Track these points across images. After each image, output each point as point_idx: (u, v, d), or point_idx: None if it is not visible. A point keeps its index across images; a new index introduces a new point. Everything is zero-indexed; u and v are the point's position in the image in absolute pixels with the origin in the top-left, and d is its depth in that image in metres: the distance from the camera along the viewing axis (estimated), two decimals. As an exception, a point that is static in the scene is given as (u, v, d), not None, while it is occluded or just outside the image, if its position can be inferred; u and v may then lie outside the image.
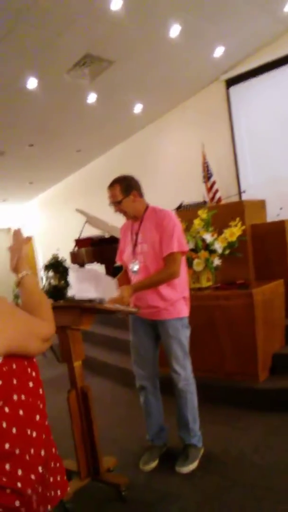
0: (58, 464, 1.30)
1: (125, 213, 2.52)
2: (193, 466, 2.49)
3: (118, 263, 2.75)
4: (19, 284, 1.37)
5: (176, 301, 2.49)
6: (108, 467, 2.47)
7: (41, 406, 1.23)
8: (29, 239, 1.49)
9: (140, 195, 2.53)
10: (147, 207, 2.55)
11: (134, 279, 2.53)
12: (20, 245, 1.45)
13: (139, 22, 4.97)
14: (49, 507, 1.21)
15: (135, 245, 2.51)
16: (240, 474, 2.39)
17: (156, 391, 2.67)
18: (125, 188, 2.46)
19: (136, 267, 2.49)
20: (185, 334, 2.54)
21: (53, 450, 1.28)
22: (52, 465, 1.26)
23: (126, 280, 2.64)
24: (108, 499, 2.31)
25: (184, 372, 2.52)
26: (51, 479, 1.24)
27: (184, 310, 2.54)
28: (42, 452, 1.19)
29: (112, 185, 2.49)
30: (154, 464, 2.59)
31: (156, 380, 2.67)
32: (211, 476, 2.41)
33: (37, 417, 1.20)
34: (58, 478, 1.28)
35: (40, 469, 1.16)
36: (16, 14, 4.24)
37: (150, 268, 2.45)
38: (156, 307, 2.47)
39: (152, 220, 2.47)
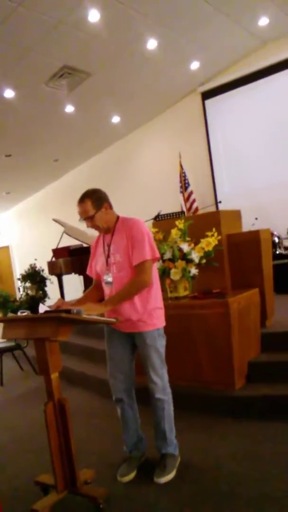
0: None
1: (97, 227, 2.49)
2: (171, 475, 2.49)
3: (88, 274, 2.74)
4: None
5: (151, 312, 2.49)
6: (86, 479, 2.45)
7: None
8: None
9: (111, 206, 2.51)
10: (117, 218, 2.54)
11: (108, 290, 2.52)
12: None
13: (117, 34, 5.04)
14: None
15: (108, 256, 2.50)
16: (217, 482, 2.40)
17: (132, 402, 2.67)
18: (96, 202, 2.43)
19: (110, 279, 2.48)
20: (161, 343, 2.55)
21: None
22: None
23: (94, 296, 2.63)
24: (86, 512, 2.28)
25: (161, 382, 2.53)
26: None
27: (160, 320, 2.54)
28: None
29: (82, 200, 2.44)
30: (131, 475, 2.57)
31: (132, 391, 2.66)
32: (189, 485, 2.41)
33: None
34: None
35: None
36: (-7, 25, 4.24)
37: (124, 278, 2.44)
38: (131, 319, 2.46)
39: (123, 230, 2.46)
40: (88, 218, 2.44)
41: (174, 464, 2.56)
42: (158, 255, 2.49)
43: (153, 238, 2.53)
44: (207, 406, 3.34)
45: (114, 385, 2.61)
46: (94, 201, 2.43)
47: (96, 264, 2.62)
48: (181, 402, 3.39)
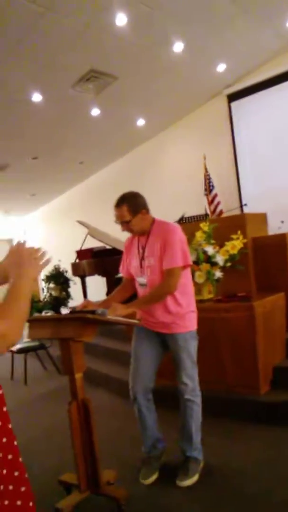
0: (20, 488, 1.22)
1: (131, 230, 2.52)
2: (193, 479, 2.48)
3: (120, 274, 2.77)
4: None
5: (184, 315, 2.51)
6: (108, 480, 2.46)
7: None
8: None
9: (148, 211, 2.51)
10: (153, 220, 2.54)
11: (142, 291, 2.55)
12: (21, 255, 1.29)
13: (143, 38, 5.06)
14: None
15: (142, 258, 2.52)
16: (240, 487, 2.37)
17: (149, 403, 2.63)
18: (133, 208, 2.43)
19: (144, 280, 2.51)
20: (193, 345, 2.56)
21: (15, 473, 1.21)
22: (10, 487, 1.18)
23: (120, 296, 2.66)
24: (108, 513, 2.29)
25: (192, 383, 2.53)
26: (6, 503, 1.16)
27: (192, 323, 2.56)
28: None
29: (119, 205, 2.45)
30: (154, 477, 2.57)
31: (150, 392, 2.63)
32: (211, 489, 2.39)
33: None
34: (18, 503, 1.20)
35: None
36: (22, 29, 4.32)
37: (157, 281, 2.46)
38: (165, 322, 2.50)
39: (158, 234, 2.47)
40: (124, 223, 2.47)
41: (197, 468, 2.54)
42: (190, 262, 2.50)
43: (187, 244, 2.53)
44: (231, 410, 3.31)
45: (133, 384, 2.61)
46: (131, 207, 2.43)
47: (129, 265, 2.64)
48: (205, 406, 3.37)
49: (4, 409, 1.20)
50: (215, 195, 6.95)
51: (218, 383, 3.45)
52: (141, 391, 2.59)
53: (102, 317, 2.16)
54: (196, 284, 3.70)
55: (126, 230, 2.53)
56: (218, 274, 3.63)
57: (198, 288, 3.75)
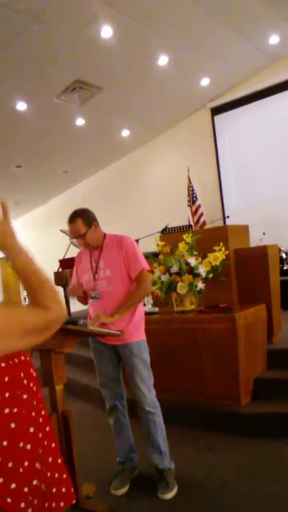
0: (63, 475, 1.27)
1: (88, 245, 2.57)
2: (175, 491, 2.49)
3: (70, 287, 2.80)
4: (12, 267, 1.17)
5: (136, 324, 2.55)
6: (87, 494, 2.42)
7: (38, 417, 1.21)
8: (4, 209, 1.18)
9: (98, 225, 2.61)
10: (104, 235, 2.63)
11: (94, 304, 2.57)
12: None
13: (129, 50, 5.12)
14: None
15: (95, 272, 2.57)
16: (220, 499, 2.36)
17: (124, 410, 2.71)
18: (87, 221, 2.53)
19: (96, 294, 2.55)
20: (147, 353, 2.59)
21: (58, 460, 1.26)
22: (56, 475, 1.23)
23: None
24: (87, 528, 2.25)
25: (150, 395, 2.55)
26: (54, 490, 1.21)
27: (143, 332, 2.61)
28: (37, 465, 1.17)
29: (73, 220, 2.53)
30: (125, 489, 2.58)
31: (124, 399, 2.70)
32: (192, 502, 2.38)
33: (31, 429, 1.19)
34: (63, 490, 1.25)
35: (35, 481, 1.14)
36: (9, 38, 4.33)
37: (114, 291, 2.51)
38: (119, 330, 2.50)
39: (113, 245, 2.56)
40: (80, 236, 2.54)
41: (173, 477, 2.56)
42: (149, 268, 2.59)
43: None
44: (211, 422, 3.30)
45: (106, 394, 2.67)
46: (84, 220, 2.53)
47: (81, 278, 2.70)
48: (185, 417, 3.36)
49: (35, 402, 1.22)
50: (198, 206, 7.03)
51: (199, 394, 3.45)
52: (117, 398, 2.65)
53: (84, 328, 2.14)
54: (178, 295, 3.71)
55: (82, 245, 2.60)
56: (200, 285, 3.65)
57: (180, 299, 3.76)
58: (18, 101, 5.61)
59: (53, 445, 1.26)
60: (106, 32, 4.64)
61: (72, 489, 1.29)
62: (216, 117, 7.26)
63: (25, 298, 9.02)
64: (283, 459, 2.72)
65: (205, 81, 6.40)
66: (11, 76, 5.04)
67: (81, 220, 2.52)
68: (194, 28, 4.99)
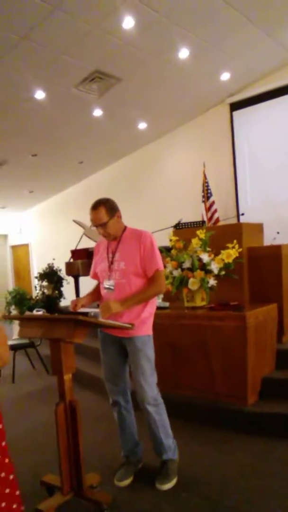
0: (15, 492, 1.27)
1: (108, 234, 2.55)
2: (173, 482, 2.51)
3: (91, 278, 2.79)
4: None
5: (146, 318, 2.53)
6: (91, 483, 2.45)
7: None
8: None
9: (120, 216, 2.59)
10: (125, 227, 2.61)
11: (107, 295, 2.55)
12: None
13: (150, 42, 5.07)
14: None
15: (111, 262, 2.54)
16: (223, 497, 2.36)
17: (128, 405, 2.69)
18: (110, 210, 2.51)
19: (111, 284, 2.53)
20: (151, 351, 2.57)
21: (10, 476, 1.26)
22: (6, 491, 1.23)
23: (99, 295, 2.67)
24: (90, 517, 2.27)
25: (151, 392, 2.52)
26: (3, 505, 1.21)
27: (150, 328, 2.58)
28: None
29: (96, 207, 2.51)
30: (128, 481, 2.59)
31: (128, 394, 2.69)
32: (194, 497, 2.38)
33: None
34: (14, 506, 1.25)
35: None
36: (29, 25, 4.32)
37: (126, 284, 2.49)
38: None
39: (132, 239, 2.53)
40: (101, 225, 2.51)
41: (175, 468, 2.57)
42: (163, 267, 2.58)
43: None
44: (218, 419, 3.31)
45: (110, 388, 2.66)
46: (107, 209, 2.51)
47: (97, 268, 2.69)
48: (192, 413, 3.37)
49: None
50: (212, 203, 6.98)
51: (206, 391, 3.45)
52: (120, 393, 2.64)
53: (94, 320, 2.15)
54: (189, 290, 3.70)
55: (102, 234, 2.57)
56: (212, 282, 3.63)
57: (191, 294, 3.76)
58: (37, 89, 5.60)
59: (6, 460, 1.25)
60: (128, 23, 4.60)
61: (23, 508, 1.28)
62: (235, 113, 7.17)
63: (35, 287, 9.09)
64: (285, 460, 2.72)
65: (225, 76, 6.31)
66: (30, 63, 5.02)
67: (104, 209, 2.50)
68: (217, 22, 4.92)
